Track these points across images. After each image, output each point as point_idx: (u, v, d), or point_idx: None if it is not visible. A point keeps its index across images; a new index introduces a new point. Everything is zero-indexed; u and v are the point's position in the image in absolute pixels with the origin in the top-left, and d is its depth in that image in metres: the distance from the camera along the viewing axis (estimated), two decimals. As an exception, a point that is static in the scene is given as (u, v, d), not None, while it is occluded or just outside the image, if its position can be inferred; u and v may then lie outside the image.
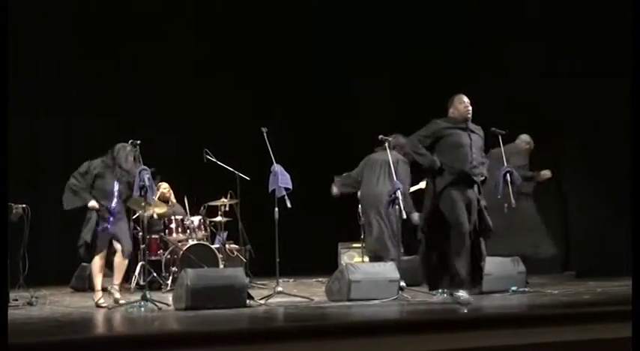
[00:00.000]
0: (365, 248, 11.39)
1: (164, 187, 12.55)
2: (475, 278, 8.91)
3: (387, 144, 10.60)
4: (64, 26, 13.69)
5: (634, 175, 8.50)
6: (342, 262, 12.32)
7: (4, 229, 7.85)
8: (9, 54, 7.59)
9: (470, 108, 9.05)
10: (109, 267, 11.62)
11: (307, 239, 13.79)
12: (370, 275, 9.72)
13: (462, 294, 8.75)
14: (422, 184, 11.68)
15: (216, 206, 12.47)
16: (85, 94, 13.78)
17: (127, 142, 9.88)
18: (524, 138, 11.58)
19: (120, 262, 9.87)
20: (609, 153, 12.49)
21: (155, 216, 12.21)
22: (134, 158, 9.93)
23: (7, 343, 5.72)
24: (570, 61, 12.92)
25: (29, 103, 13.17)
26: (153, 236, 12.09)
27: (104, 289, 9.83)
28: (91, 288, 11.61)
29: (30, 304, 9.67)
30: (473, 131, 9.10)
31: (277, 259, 9.98)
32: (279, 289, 9.83)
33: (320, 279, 12.02)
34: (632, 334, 6.50)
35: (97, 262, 9.82)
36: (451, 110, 9.10)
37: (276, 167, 10.07)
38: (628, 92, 11.40)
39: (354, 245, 12.51)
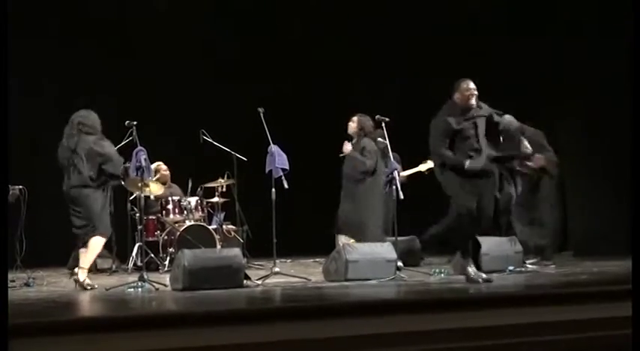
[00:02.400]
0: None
1: (163, 168, 12.55)
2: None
3: (383, 124, 10.59)
4: (61, 10, 13.67)
5: (634, 156, 8.52)
6: (340, 242, 12.29)
7: (3, 210, 7.85)
8: (9, 48, 7.61)
9: (475, 94, 9.01)
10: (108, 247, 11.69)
11: (304, 220, 13.79)
12: (367, 255, 9.72)
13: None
14: (421, 167, 11.70)
15: (214, 187, 12.47)
16: (84, 75, 13.75)
17: (124, 124, 9.87)
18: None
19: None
20: (607, 134, 12.50)
21: (152, 197, 12.21)
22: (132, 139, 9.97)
23: (7, 323, 5.73)
24: (570, 38, 12.90)
25: (26, 84, 13.16)
26: (150, 217, 12.10)
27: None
28: (88, 269, 11.66)
29: (27, 285, 9.68)
30: (478, 116, 9.05)
31: (274, 240, 9.98)
32: (277, 269, 9.84)
33: (317, 259, 12.04)
34: (632, 314, 6.51)
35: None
36: (456, 95, 9.05)
37: (273, 148, 10.06)
38: (628, 72, 11.46)
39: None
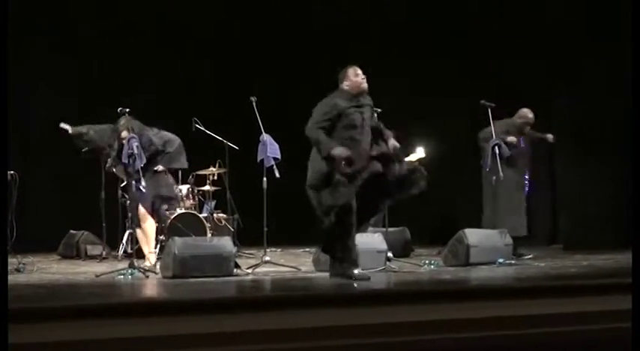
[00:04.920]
0: None
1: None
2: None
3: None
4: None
5: (635, 148, 8.55)
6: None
7: (3, 197, 7.86)
8: (8, 45, 7.62)
9: (365, 78, 8.76)
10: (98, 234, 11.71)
11: (295, 209, 13.76)
12: (358, 246, 9.70)
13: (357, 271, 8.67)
14: (411, 157, 11.70)
15: (205, 175, 12.47)
16: (74, 63, 13.71)
17: (117, 111, 9.90)
18: (520, 112, 11.39)
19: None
20: (600, 127, 12.50)
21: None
22: (127, 128, 10.02)
23: (8, 308, 5.75)
24: (562, 25, 12.91)
25: (19, 71, 13.13)
26: (140, 204, 12.08)
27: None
28: (78, 256, 11.73)
29: (18, 270, 9.66)
30: (365, 105, 8.76)
31: (265, 229, 10.00)
32: (267, 258, 9.86)
33: (307, 249, 12.03)
34: (632, 307, 6.54)
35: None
36: (346, 83, 8.78)
37: (265, 137, 10.08)
38: (623, 63, 11.46)
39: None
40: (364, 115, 8.69)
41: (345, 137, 8.56)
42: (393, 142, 8.72)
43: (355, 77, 8.76)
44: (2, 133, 7.39)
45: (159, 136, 10.42)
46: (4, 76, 7.55)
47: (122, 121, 10.02)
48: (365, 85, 8.75)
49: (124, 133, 9.97)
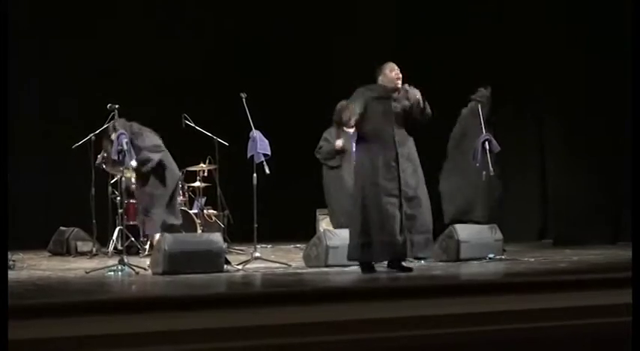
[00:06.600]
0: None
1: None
2: None
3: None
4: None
5: (635, 144, 8.58)
6: (320, 228, 12.31)
7: (4, 195, 7.83)
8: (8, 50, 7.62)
9: (400, 76, 8.98)
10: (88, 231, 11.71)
11: (285, 205, 13.79)
12: (348, 241, 9.71)
13: None
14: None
15: (195, 171, 12.46)
16: (63, 62, 13.69)
17: (107, 107, 9.89)
18: None
19: None
20: (590, 123, 12.51)
21: (133, 180, 12.18)
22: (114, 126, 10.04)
23: (7, 304, 5.75)
24: (554, 32, 12.91)
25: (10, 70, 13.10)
26: (131, 201, 12.06)
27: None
28: (68, 252, 11.71)
29: (7, 267, 9.63)
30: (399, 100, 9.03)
31: (255, 225, 10.00)
32: (257, 254, 9.86)
33: (298, 245, 12.05)
34: (633, 302, 6.57)
35: None
36: (380, 78, 9.01)
37: (255, 133, 10.08)
38: (612, 61, 11.48)
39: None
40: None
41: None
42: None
43: (390, 72, 8.98)
44: (2, 133, 7.40)
45: (147, 139, 10.50)
46: (4, 78, 7.55)
47: (111, 125, 10.11)
48: (399, 82, 8.98)
49: (114, 136, 10.05)
